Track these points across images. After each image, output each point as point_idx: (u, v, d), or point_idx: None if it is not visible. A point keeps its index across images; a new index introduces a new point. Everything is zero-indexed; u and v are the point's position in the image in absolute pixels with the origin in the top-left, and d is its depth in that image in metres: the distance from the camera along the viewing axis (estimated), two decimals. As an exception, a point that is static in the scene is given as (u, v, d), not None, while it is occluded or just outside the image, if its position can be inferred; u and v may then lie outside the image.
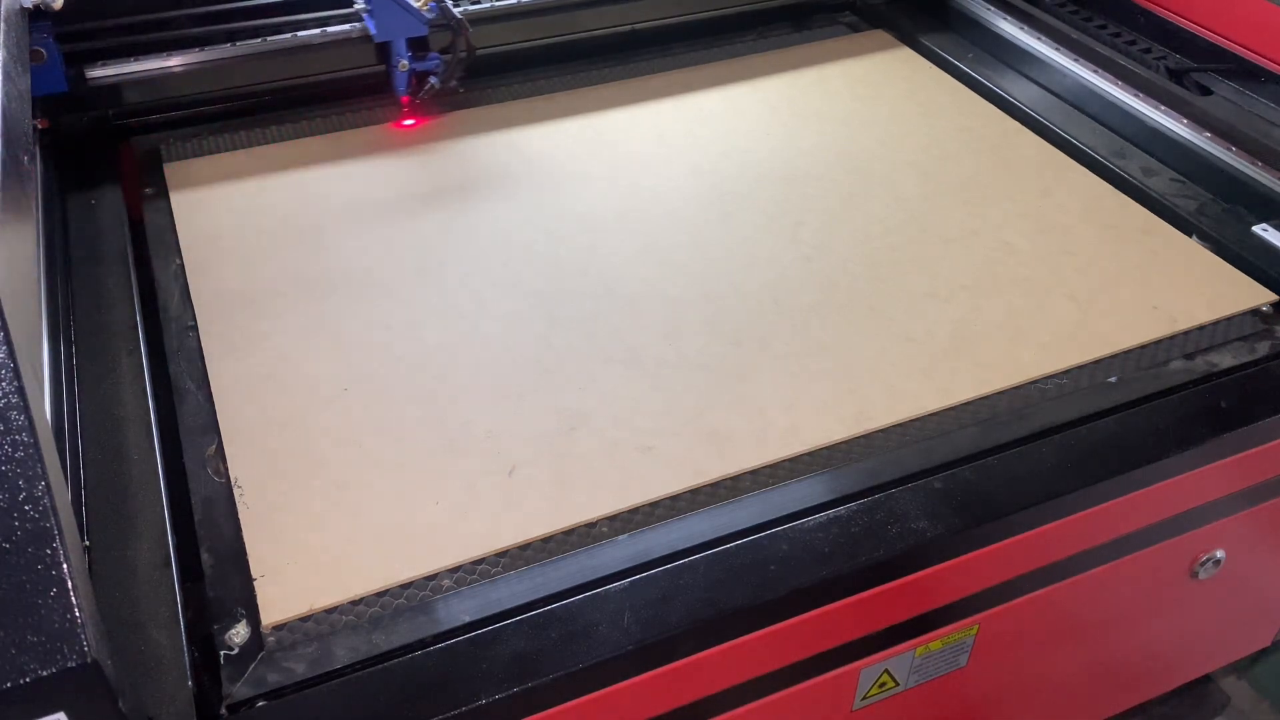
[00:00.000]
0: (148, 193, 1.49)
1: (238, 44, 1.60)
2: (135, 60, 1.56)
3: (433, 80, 1.62)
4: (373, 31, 1.56)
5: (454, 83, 1.64)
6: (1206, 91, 1.59)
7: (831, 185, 1.53)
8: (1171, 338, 1.26)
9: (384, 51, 1.61)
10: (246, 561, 0.99)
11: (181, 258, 1.36)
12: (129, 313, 1.24)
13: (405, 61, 1.58)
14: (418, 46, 1.61)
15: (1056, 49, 1.72)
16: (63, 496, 0.76)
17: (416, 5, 1.55)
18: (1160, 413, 1.16)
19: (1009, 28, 1.80)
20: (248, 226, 1.43)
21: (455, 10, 1.60)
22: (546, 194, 1.50)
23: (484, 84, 1.74)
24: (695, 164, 1.57)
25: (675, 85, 1.76)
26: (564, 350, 1.24)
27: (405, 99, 1.63)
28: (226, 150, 1.58)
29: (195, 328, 1.25)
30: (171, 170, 1.53)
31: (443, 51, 1.62)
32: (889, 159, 1.58)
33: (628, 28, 1.85)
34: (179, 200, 1.47)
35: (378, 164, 1.56)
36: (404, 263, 1.37)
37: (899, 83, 1.78)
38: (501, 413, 1.15)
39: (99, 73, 1.54)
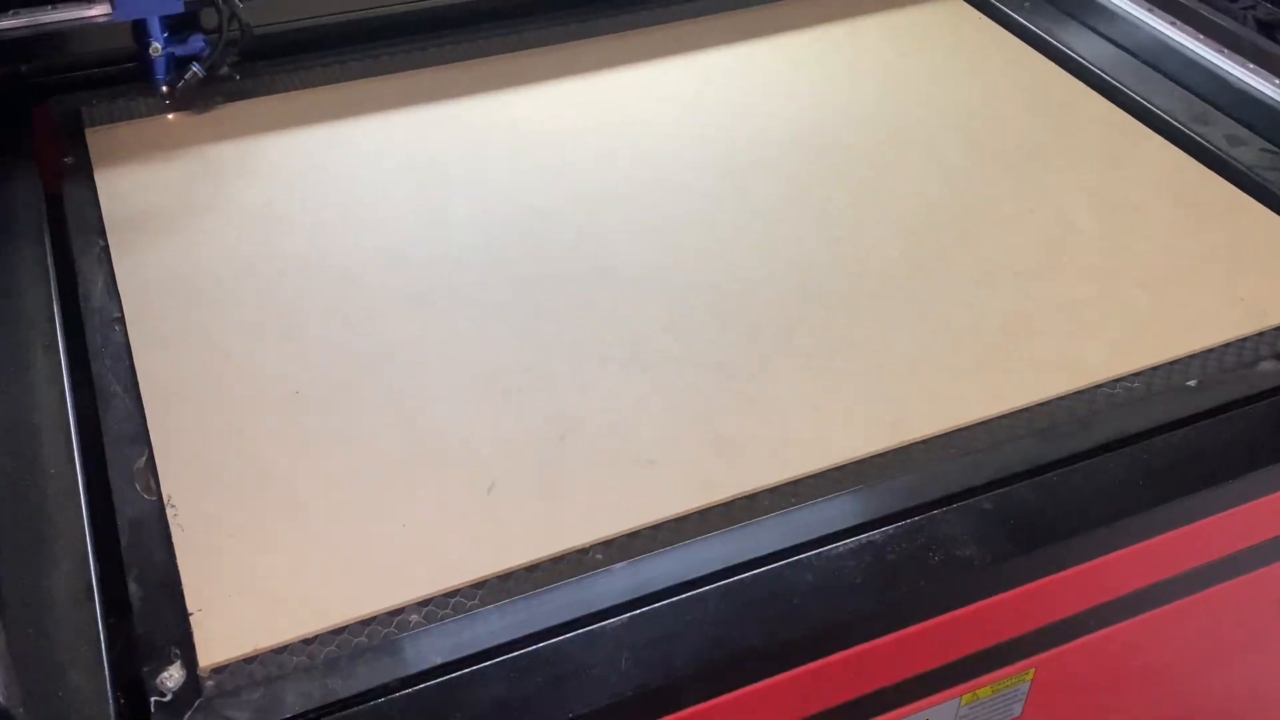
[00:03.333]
0: (67, 163, 1.48)
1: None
2: (53, 9, 1.55)
3: (195, 68, 1.56)
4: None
5: (225, 69, 1.58)
6: (1302, 47, 1.59)
7: (865, 154, 1.53)
8: (1260, 334, 1.25)
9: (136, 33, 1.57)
10: (181, 593, 0.98)
11: (106, 239, 1.36)
12: (45, 303, 1.24)
13: (158, 45, 1.53)
14: (181, 27, 1.56)
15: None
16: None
17: None
18: (1247, 421, 1.16)
19: (1072, -28, 1.80)
20: (183, 202, 1.42)
21: None
22: (532, 164, 1.50)
23: (461, 37, 1.74)
24: (705, 129, 1.57)
25: (682, 38, 1.76)
26: (552, 345, 1.23)
27: (165, 89, 1.58)
28: (158, 114, 1.58)
29: (122, 320, 1.25)
30: (95, 136, 1.53)
31: (211, 33, 1.57)
32: (932, 124, 1.58)
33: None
34: (104, 171, 1.46)
35: (333, 130, 1.56)
36: (364, 243, 1.37)
37: (944, 35, 1.77)
38: (479, 419, 1.15)
39: (10, 23, 1.53)
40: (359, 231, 1.39)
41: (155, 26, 1.52)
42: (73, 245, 1.36)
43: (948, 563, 1.02)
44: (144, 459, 1.11)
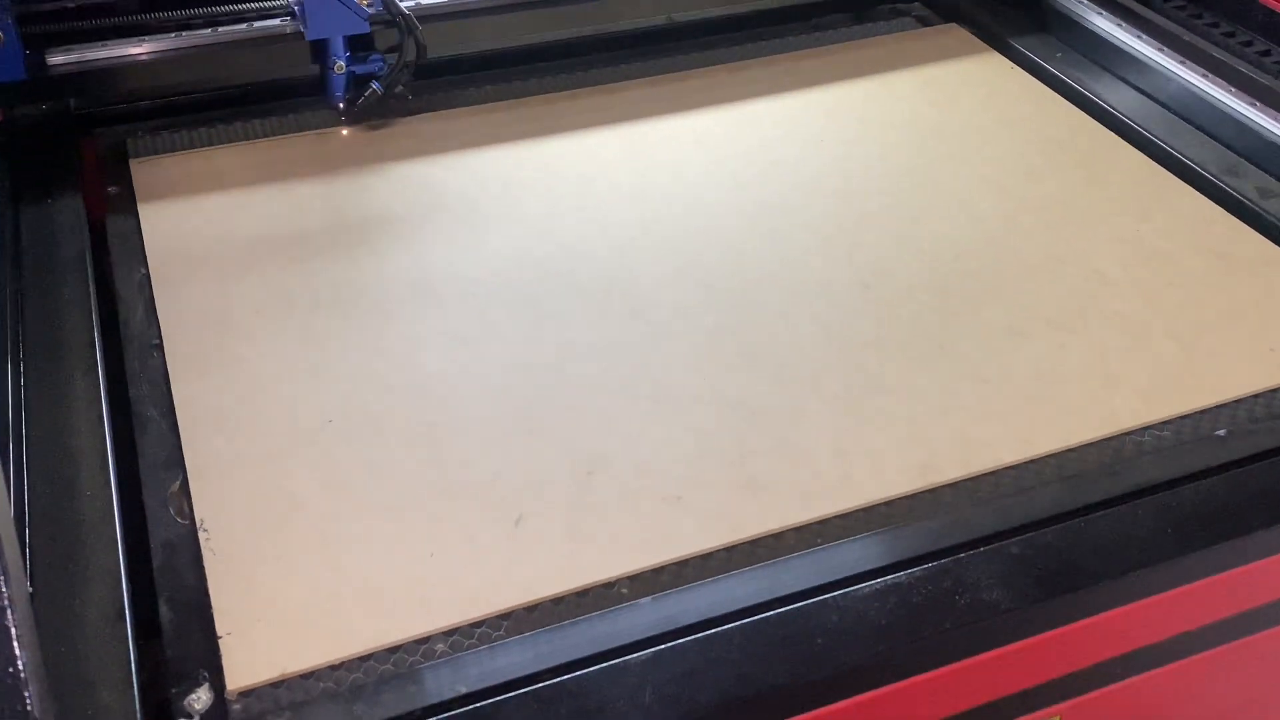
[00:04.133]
0: (111, 192, 1.52)
1: (219, 30, 1.63)
2: (103, 46, 1.59)
3: (375, 86, 1.62)
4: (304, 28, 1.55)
5: (400, 88, 1.64)
6: (1335, 101, 1.60)
7: (895, 202, 1.54)
8: (1292, 386, 1.26)
9: (317, 51, 1.61)
10: (211, 616, 1.00)
11: (148, 267, 1.39)
12: (86, 328, 1.26)
13: (342, 63, 1.59)
14: (358, 46, 1.61)
15: (1160, 50, 1.73)
16: (8, 533, 0.78)
17: None
18: (1277, 472, 1.16)
19: (1105, 25, 1.81)
20: (224, 233, 1.45)
21: (402, 4, 1.58)
22: (566, 206, 1.52)
23: (497, 80, 1.77)
24: (737, 175, 1.59)
25: (716, 86, 1.78)
26: (581, 383, 1.25)
27: (342, 106, 1.64)
28: (202, 146, 1.61)
29: (161, 347, 1.28)
30: (139, 168, 1.56)
31: (388, 52, 1.62)
32: (962, 174, 1.60)
33: (663, 19, 1.88)
34: (147, 202, 1.50)
35: (370, 169, 1.59)
36: (401, 279, 1.39)
37: (975, 86, 1.79)
38: (508, 453, 1.16)
39: (61, 59, 1.57)
40: (395, 266, 1.41)
41: (339, 46, 1.58)
42: (115, 273, 1.39)
43: (974, 606, 1.02)
44: (178, 483, 1.12)
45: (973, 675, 1.05)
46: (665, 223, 1.49)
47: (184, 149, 1.60)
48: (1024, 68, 1.83)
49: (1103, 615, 1.07)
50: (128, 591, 1.00)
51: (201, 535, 1.07)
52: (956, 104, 1.75)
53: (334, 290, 1.37)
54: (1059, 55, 1.83)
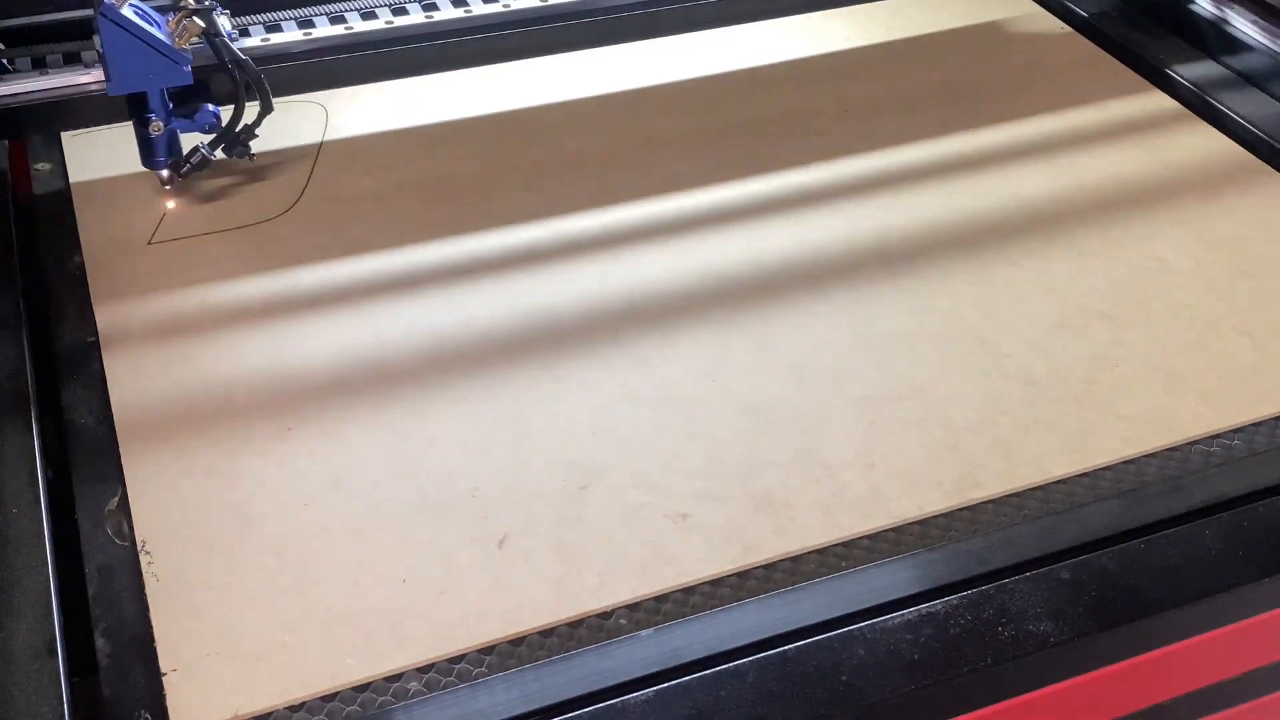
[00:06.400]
0: (41, 169, 1.52)
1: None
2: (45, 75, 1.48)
3: (203, 149, 1.45)
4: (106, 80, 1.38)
5: (240, 149, 1.47)
6: None
7: (929, 177, 1.54)
8: (1379, 388, 1.25)
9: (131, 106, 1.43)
10: (154, 651, 0.99)
11: (82, 253, 1.38)
12: (12, 323, 1.26)
13: (160, 122, 1.41)
14: (184, 96, 1.44)
15: (1233, 6, 1.72)
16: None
17: (173, 41, 1.36)
18: (1364, 486, 1.16)
19: (1167, -23, 1.81)
20: (168, 214, 1.45)
21: (238, 48, 1.42)
22: (555, 182, 1.52)
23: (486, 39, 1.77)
24: (742, 132, 1.59)
25: (725, 40, 1.78)
26: (573, 384, 1.25)
27: (166, 174, 1.47)
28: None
29: (97, 343, 1.27)
30: (72, 141, 1.56)
31: (227, 103, 1.45)
32: (1006, 145, 1.59)
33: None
34: (81, 179, 1.50)
35: (338, 141, 1.59)
36: (366, 263, 1.39)
37: (1017, 44, 1.79)
38: (491, 464, 1.16)
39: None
40: (362, 251, 1.41)
41: (156, 99, 1.41)
42: (44, 258, 1.38)
43: (1019, 639, 1.01)
44: (116, 500, 1.12)
45: (1017, 717, 1.04)
46: (667, 202, 1.49)
47: (127, 119, 1.59)
48: (1072, 24, 1.83)
49: (1166, 649, 1.07)
50: (59, 622, 0.99)
51: (143, 558, 1.07)
52: (997, 63, 1.74)
53: (289, 275, 1.37)
54: (1114, 11, 1.82)
